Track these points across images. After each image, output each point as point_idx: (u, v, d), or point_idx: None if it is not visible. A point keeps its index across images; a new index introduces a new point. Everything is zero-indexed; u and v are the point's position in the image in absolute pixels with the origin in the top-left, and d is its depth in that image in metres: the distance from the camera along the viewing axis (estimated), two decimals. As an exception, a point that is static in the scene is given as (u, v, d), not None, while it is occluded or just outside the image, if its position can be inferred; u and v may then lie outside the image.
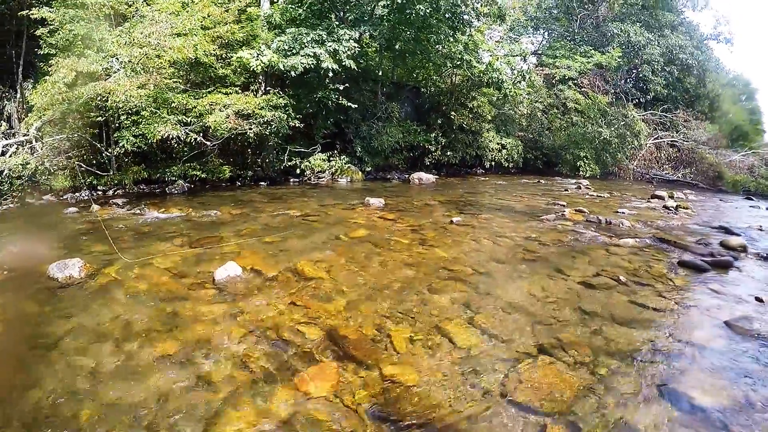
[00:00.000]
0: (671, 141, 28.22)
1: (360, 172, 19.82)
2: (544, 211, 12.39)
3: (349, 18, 18.56)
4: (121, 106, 12.99)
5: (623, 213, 12.48)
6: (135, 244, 8.39)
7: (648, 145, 27.61)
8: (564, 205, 13.32)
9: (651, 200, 15.73)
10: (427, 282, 6.44)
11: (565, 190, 18.15)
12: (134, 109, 13.50)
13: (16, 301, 5.82)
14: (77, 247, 8.16)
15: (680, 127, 29.41)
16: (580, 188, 18.78)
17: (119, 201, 12.80)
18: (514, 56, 24.57)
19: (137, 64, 13.39)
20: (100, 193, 14.46)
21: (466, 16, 19.59)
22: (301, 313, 5.31)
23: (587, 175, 25.04)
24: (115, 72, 13.43)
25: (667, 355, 4.73)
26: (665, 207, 14.08)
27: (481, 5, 20.05)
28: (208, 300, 5.68)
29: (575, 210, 12.09)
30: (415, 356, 4.53)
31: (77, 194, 13.99)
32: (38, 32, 13.80)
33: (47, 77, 13.27)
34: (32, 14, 13.40)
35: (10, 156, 13.11)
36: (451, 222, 10.43)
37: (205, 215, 10.87)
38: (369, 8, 18.68)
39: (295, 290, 5.97)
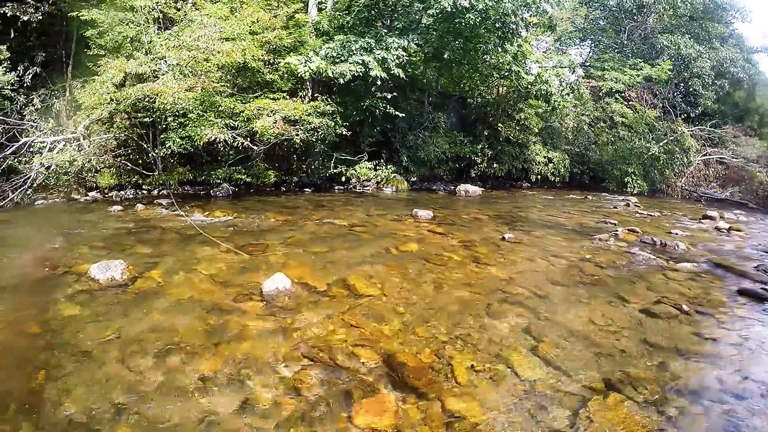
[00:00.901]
0: (719, 158, 27.29)
1: (405, 182, 19.49)
2: (596, 230, 11.95)
3: (397, 26, 18.31)
4: (168, 107, 12.96)
5: (676, 234, 11.95)
6: (178, 247, 8.27)
7: (696, 162, 26.82)
8: (615, 224, 12.81)
9: (702, 221, 15.09)
10: (484, 304, 6.10)
11: (614, 207, 17.61)
12: (181, 111, 13.47)
13: (55, 301, 5.63)
14: (120, 248, 8.08)
15: (729, 144, 28.42)
16: (629, 206, 18.22)
17: (163, 201, 12.80)
18: (562, 68, 24.04)
19: (185, 67, 13.35)
20: (144, 192, 14.65)
21: (515, 26, 19.18)
22: (355, 333, 5.00)
23: (635, 191, 24.17)
24: (163, 74, 13.39)
25: (736, 394, 4.36)
26: (717, 229, 13.48)
27: (531, 15, 19.61)
28: (255, 313, 5.42)
29: (628, 230, 11.60)
30: (478, 388, 4.19)
31: (122, 192, 14.26)
32: (87, 33, 13.98)
33: (96, 77, 13.34)
34: (82, 15, 13.53)
35: (58, 152, 13.25)
36: (503, 238, 10.03)
37: (250, 221, 10.71)
38: (417, 17, 18.40)
39: (347, 307, 5.68)
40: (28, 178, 12.66)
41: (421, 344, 4.88)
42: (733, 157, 26.68)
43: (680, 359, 4.97)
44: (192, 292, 6.01)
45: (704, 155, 26.98)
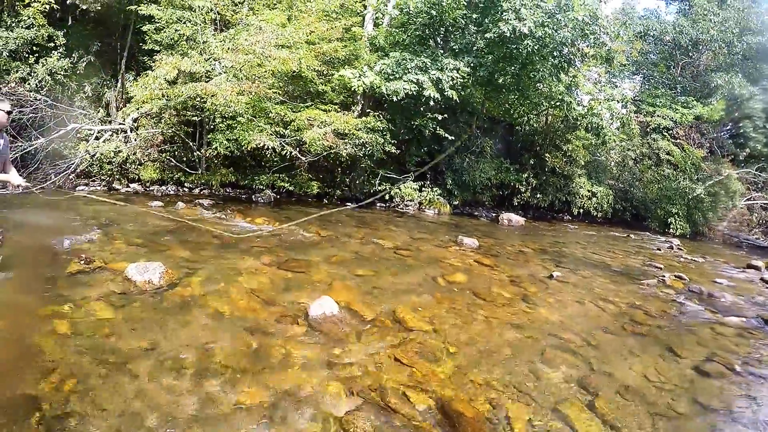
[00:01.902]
0: (764, 203, 26.61)
1: (448, 206, 19.28)
2: (642, 273, 11.62)
3: (453, 47, 18.11)
4: (219, 109, 13.00)
5: (722, 284, 11.50)
6: (218, 254, 8.09)
7: (740, 206, 26.16)
8: (661, 268, 12.44)
9: (747, 270, 14.52)
10: (537, 349, 5.80)
11: (658, 249, 17.11)
12: (231, 114, 13.50)
13: (88, 300, 5.46)
14: (158, 247, 8.00)
15: None
16: (672, 248, 17.69)
17: (205, 202, 12.86)
18: (614, 101, 23.64)
19: (239, 70, 13.32)
20: (185, 189, 14.82)
21: (572, 56, 18.86)
22: (406, 373, 4.70)
23: (677, 233, 23.62)
24: (217, 75, 13.40)
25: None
26: (763, 280, 12.92)
27: (588, 46, 19.28)
28: (300, 339, 5.16)
29: (675, 276, 11.20)
30: (539, 447, 3.90)
31: (163, 188, 14.42)
32: (145, 28, 14.17)
33: (149, 72, 13.54)
34: (140, 10, 13.67)
35: (104, 141, 13.54)
36: (551, 276, 9.70)
37: (292, 233, 10.51)
38: (473, 39, 18.18)
39: (397, 342, 5.38)
40: (72, 163, 12.89)
41: (475, 391, 4.57)
42: None
43: (736, 425, 4.69)
44: (233, 307, 5.80)
45: (749, 199, 26.31)
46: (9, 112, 5.76)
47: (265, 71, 13.71)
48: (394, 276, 8.13)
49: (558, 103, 19.73)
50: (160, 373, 4.13)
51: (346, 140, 14.92)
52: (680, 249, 17.65)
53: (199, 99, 13.27)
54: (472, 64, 17.47)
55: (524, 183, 22.10)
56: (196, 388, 3.98)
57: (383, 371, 4.67)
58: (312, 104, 15.68)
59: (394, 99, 15.76)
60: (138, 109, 14.29)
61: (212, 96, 12.72)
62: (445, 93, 16.04)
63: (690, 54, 30.68)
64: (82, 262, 6.60)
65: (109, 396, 3.72)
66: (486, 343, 5.76)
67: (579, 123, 21.23)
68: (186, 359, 4.42)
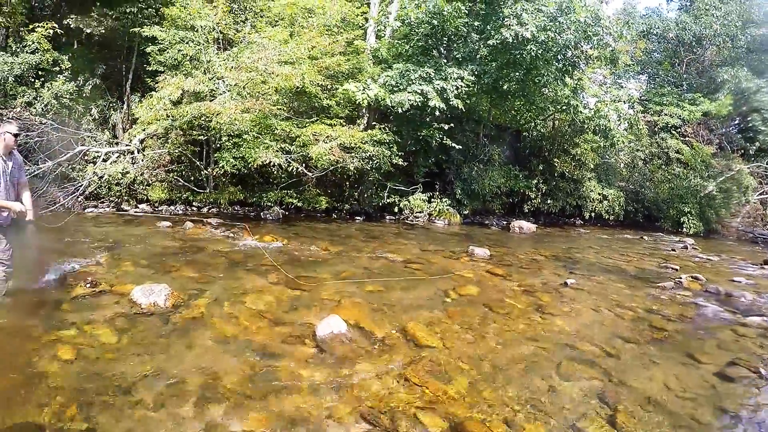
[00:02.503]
0: (778, 197, 26.35)
1: (458, 215, 19.14)
2: (658, 276, 11.45)
3: (456, 56, 18.01)
4: (224, 127, 13.02)
5: (740, 282, 11.34)
6: (226, 274, 8.02)
7: (752, 201, 25.88)
8: (677, 269, 12.31)
9: (764, 266, 14.36)
10: (553, 363, 5.59)
11: (672, 250, 16.95)
12: (236, 132, 13.50)
13: (92, 323, 5.41)
14: (165, 268, 7.95)
15: None
16: (686, 248, 17.52)
17: (213, 221, 12.76)
18: (620, 102, 23.43)
19: (243, 88, 13.31)
20: (194, 209, 14.78)
21: (576, 59, 18.73)
22: (417, 393, 4.51)
23: (691, 232, 23.58)
24: (221, 94, 13.39)
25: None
26: (781, 276, 12.79)
27: (591, 48, 19.13)
28: (307, 361, 5.00)
29: (692, 277, 10.98)
30: (557, 469, 3.71)
31: (172, 207, 14.43)
32: (148, 49, 14.22)
33: (153, 92, 13.71)
34: (143, 32, 13.79)
35: (111, 163, 13.55)
36: (565, 284, 9.52)
37: (300, 249, 10.43)
38: (475, 47, 18.08)
39: (408, 361, 5.20)
40: (80, 185, 12.91)
41: (489, 410, 4.37)
42: None
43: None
44: (239, 329, 5.68)
45: (761, 194, 26.07)
46: (16, 135, 5.72)
47: (269, 88, 13.69)
48: (405, 291, 7.96)
49: (564, 107, 19.58)
50: (164, 400, 4.02)
51: (353, 154, 14.85)
52: (695, 248, 17.55)
53: (204, 118, 13.29)
54: (476, 72, 17.38)
55: (534, 189, 21.96)
56: (200, 415, 3.86)
57: (393, 392, 4.49)
58: (317, 119, 15.63)
59: (399, 111, 15.69)
60: (144, 130, 14.36)
61: (217, 115, 12.71)
62: (451, 102, 15.96)
63: (694, 50, 30.51)
64: (88, 285, 6.56)
65: (112, 423, 3.64)
66: (500, 358, 5.57)
67: (586, 126, 21.12)
68: (190, 384, 4.30)
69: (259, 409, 4.04)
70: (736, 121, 30.29)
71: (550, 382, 5.05)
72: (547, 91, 19.30)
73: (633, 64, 30.42)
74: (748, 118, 29.06)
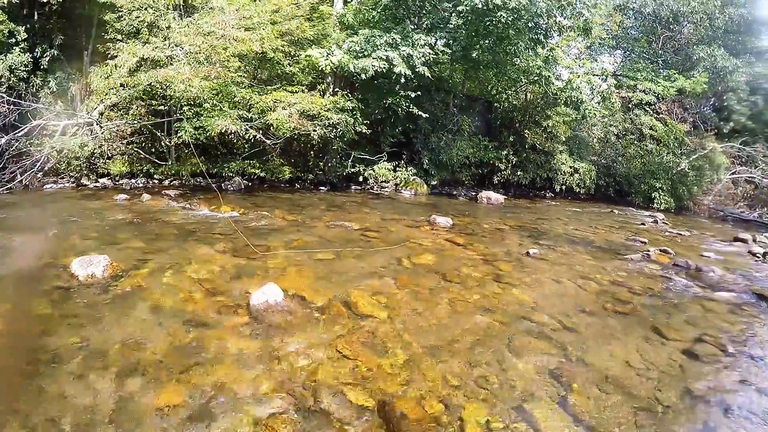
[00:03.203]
0: (749, 177, 26.38)
1: (425, 185, 18.80)
2: (625, 248, 11.16)
3: (425, 24, 17.61)
4: (179, 95, 12.66)
5: (710, 258, 11.10)
6: (174, 243, 7.74)
7: (724, 180, 25.94)
8: (645, 242, 12.03)
9: (734, 243, 14.22)
10: (506, 336, 5.26)
11: (642, 224, 16.75)
12: (197, 101, 13.11)
13: (28, 298, 5.26)
14: (114, 240, 7.67)
15: (759, 162, 27.50)
16: (656, 223, 17.36)
17: (171, 193, 12.49)
18: (594, 75, 23.22)
19: (200, 54, 12.86)
20: (155, 181, 14.38)
21: (547, 27, 18.41)
22: (348, 367, 4.19)
23: (662, 207, 23.44)
24: (179, 61, 12.93)
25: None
26: (751, 253, 12.56)
27: (565, 18, 18.80)
28: (238, 331, 4.69)
29: (660, 250, 10.75)
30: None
31: (133, 180, 14.01)
32: (106, 17, 13.74)
33: (108, 61, 13.09)
34: None
35: (70, 137, 13.06)
36: (527, 254, 9.20)
37: (256, 218, 10.12)
38: (446, 15, 17.69)
39: (344, 331, 4.87)
40: (37, 160, 12.47)
41: (427, 387, 4.04)
42: (763, 177, 25.72)
43: (731, 418, 4.16)
44: (175, 299, 5.38)
45: (733, 173, 26.15)
46: None
47: (227, 54, 13.24)
48: (357, 259, 7.62)
49: (536, 78, 19.20)
50: (86, 371, 3.88)
51: (316, 122, 14.41)
52: (665, 223, 17.39)
53: (162, 87, 12.86)
54: (445, 39, 17.01)
55: (504, 160, 21.66)
56: (119, 389, 3.70)
57: (322, 365, 4.16)
58: (280, 86, 15.14)
59: (363, 77, 15.30)
60: (102, 101, 13.88)
61: (173, 82, 12.26)
62: (417, 69, 15.56)
63: (671, 27, 30.30)
64: (33, 259, 6.46)
65: (30, 398, 3.53)
66: (447, 330, 5.23)
67: (558, 98, 20.83)
68: (114, 356, 4.13)
69: (179, 381, 3.83)
70: (712, 101, 30.25)
71: (499, 358, 4.73)
72: (518, 61, 18.93)
73: (608, 38, 30.29)
74: (724, 98, 29.08)
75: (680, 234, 14.82)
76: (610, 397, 4.24)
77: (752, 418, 4.17)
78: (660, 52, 30.47)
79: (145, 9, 13.48)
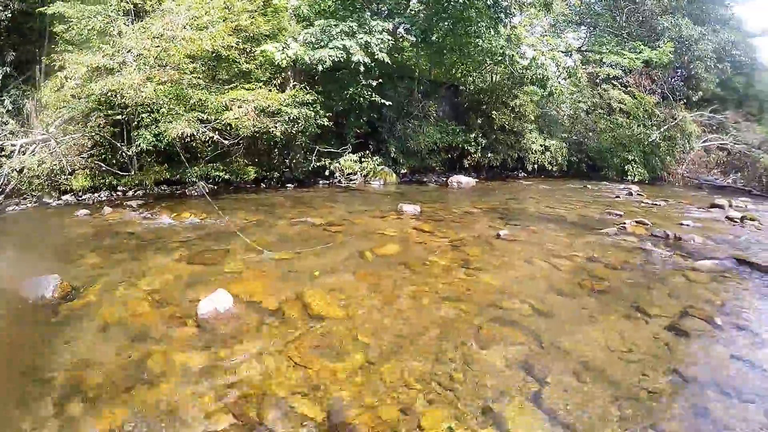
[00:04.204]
0: (721, 144, 26.51)
1: (394, 175, 18.55)
2: (601, 223, 11.00)
3: (383, 9, 17.34)
4: (130, 102, 12.33)
5: (688, 226, 11.00)
6: (131, 255, 7.40)
7: (697, 149, 26.05)
8: (621, 215, 11.94)
9: (711, 209, 14.26)
10: (473, 326, 4.97)
11: (616, 197, 16.72)
12: (153, 107, 12.71)
13: None
14: (69, 258, 7.35)
15: (729, 129, 27.66)
16: (631, 194, 17.42)
17: (134, 203, 12.15)
18: (559, 51, 23.11)
19: (151, 57, 12.49)
20: (119, 193, 13.93)
21: (506, 3, 18.24)
22: (298, 375, 3.90)
23: (635, 179, 23.57)
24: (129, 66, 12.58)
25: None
26: (729, 218, 12.51)
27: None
28: (184, 343, 4.42)
29: (636, 222, 10.63)
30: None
31: (96, 195, 13.55)
32: (57, 29, 13.37)
33: (58, 73, 12.67)
34: (47, 10, 12.87)
35: (29, 155, 12.72)
36: (498, 236, 8.96)
37: (218, 222, 9.77)
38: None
39: (296, 336, 4.58)
40: None
41: (384, 392, 3.75)
42: (734, 144, 25.90)
43: (726, 399, 3.88)
44: (123, 314, 5.10)
45: (705, 141, 26.41)
46: None
47: (180, 55, 12.87)
48: (318, 256, 7.32)
49: (500, 58, 19.05)
50: (28, 398, 3.71)
51: (276, 118, 14.13)
52: (640, 194, 17.41)
53: (118, 95, 12.32)
54: (404, 24, 16.78)
55: (473, 143, 21.46)
56: (60, 414, 3.51)
57: (271, 376, 3.88)
58: (238, 85, 14.79)
59: (320, 68, 14.94)
60: (59, 116, 13.44)
61: (124, 88, 11.86)
62: (376, 56, 15.27)
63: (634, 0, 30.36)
64: None
65: None
66: (409, 325, 4.96)
67: (524, 76, 20.64)
68: (57, 380, 3.93)
69: (122, 403, 3.61)
70: (678, 73, 30.31)
71: (465, 352, 4.43)
72: (481, 42, 18.70)
73: (571, 14, 30.31)
74: (691, 67, 29.13)
75: (656, 204, 14.82)
76: (590, 388, 3.95)
77: (748, 397, 3.92)
78: (624, 24, 30.50)
79: (94, 17, 13.04)
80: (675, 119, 25.27)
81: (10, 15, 13.79)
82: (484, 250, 8.05)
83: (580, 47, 29.63)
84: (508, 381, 4.00)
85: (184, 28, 12.73)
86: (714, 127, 27.59)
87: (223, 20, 13.97)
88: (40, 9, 13.16)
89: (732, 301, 6.15)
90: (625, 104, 26.79)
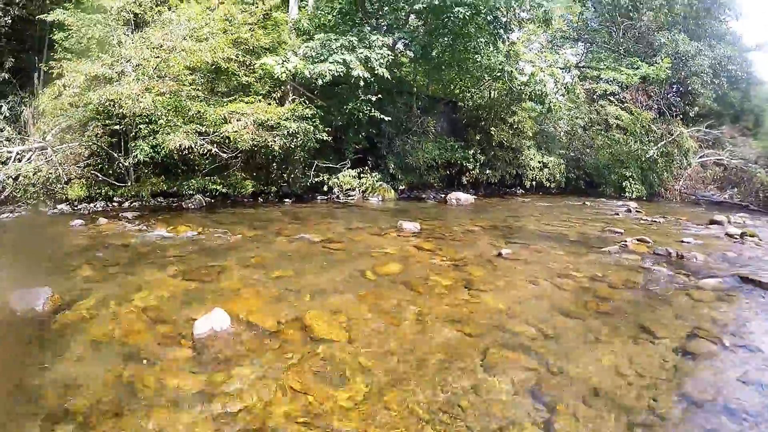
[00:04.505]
0: (717, 159, 26.67)
1: (392, 191, 18.43)
2: (601, 241, 10.88)
3: (382, 24, 17.30)
4: (128, 113, 12.30)
5: (689, 243, 10.92)
6: (125, 269, 7.20)
7: (694, 164, 26.09)
8: (621, 233, 11.81)
9: (710, 226, 14.27)
10: (478, 351, 4.77)
11: (616, 214, 16.66)
12: (152, 118, 12.70)
13: None
14: (62, 269, 7.16)
15: (725, 144, 28.01)
16: (630, 211, 17.39)
17: (129, 215, 11.97)
18: (557, 67, 23.13)
19: (150, 68, 12.42)
20: (115, 204, 13.75)
21: (506, 20, 18.24)
22: (299, 403, 3.70)
23: (633, 196, 23.54)
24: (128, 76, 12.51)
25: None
26: (729, 235, 12.47)
27: (524, 10, 18.68)
28: (179, 365, 4.22)
29: (637, 240, 10.51)
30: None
31: (92, 205, 13.36)
32: (56, 37, 13.46)
33: (57, 81, 12.69)
34: (47, 17, 13.00)
35: (27, 162, 12.72)
36: (499, 255, 8.82)
37: (215, 237, 9.62)
38: (403, 15, 17.43)
39: (297, 360, 4.38)
40: None
41: (389, 422, 3.54)
42: (731, 159, 26.15)
43: (734, 420, 3.75)
44: (116, 332, 4.91)
45: (701, 157, 26.66)
46: None
47: (180, 67, 12.87)
48: (316, 275, 7.15)
49: (499, 74, 19.13)
50: (8, 422, 3.52)
51: (275, 132, 14.05)
52: (638, 211, 17.36)
53: (116, 105, 12.28)
54: (404, 39, 16.74)
55: (471, 160, 21.47)
56: None
57: (270, 404, 3.68)
58: (237, 98, 14.72)
59: (320, 82, 14.89)
60: (57, 124, 13.37)
61: (123, 99, 11.87)
62: (376, 72, 15.21)
63: (631, 15, 30.48)
64: None
65: None
66: (414, 350, 4.76)
67: (523, 92, 20.65)
68: (45, 401, 3.71)
69: (110, 430, 3.37)
70: (674, 88, 30.41)
71: (473, 379, 4.23)
72: (480, 58, 18.70)
73: (569, 30, 30.41)
74: (688, 82, 29.22)
75: (655, 221, 14.75)
76: (602, 415, 3.79)
77: (760, 422, 3.77)
78: (621, 40, 30.69)
79: (94, 25, 13.05)
80: (672, 135, 25.40)
81: (9, 21, 13.88)
82: (486, 270, 7.88)
83: (577, 63, 29.69)
84: (518, 409, 3.82)
85: (184, 39, 12.63)
86: (710, 143, 28.08)
87: (223, 32, 13.92)
88: (40, 16, 13.24)
89: (739, 322, 6.05)
90: (622, 120, 26.97)
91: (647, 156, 24.62)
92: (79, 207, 13.04)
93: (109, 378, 4.01)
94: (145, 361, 4.29)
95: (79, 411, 3.54)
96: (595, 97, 28.64)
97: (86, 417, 3.48)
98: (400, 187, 19.11)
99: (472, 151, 21.57)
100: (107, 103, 12.20)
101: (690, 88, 29.10)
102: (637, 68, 26.40)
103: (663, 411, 3.87)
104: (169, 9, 14.47)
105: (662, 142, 25.00)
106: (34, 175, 12.46)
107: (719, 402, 4.04)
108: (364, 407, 3.72)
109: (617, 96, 28.05)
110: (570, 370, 4.46)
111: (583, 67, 29.57)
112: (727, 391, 4.23)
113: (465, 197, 18.39)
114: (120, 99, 11.88)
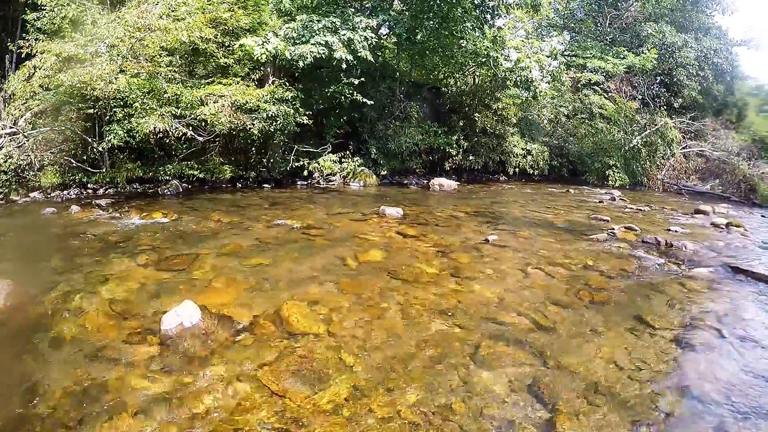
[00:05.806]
0: (699, 151, 26.80)
1: (374, 176, 18.14)
2: (589, 228, 10.69)
3: (366, 6, 16.92)
4: (102, 95, 11.81)
5: (676, 232, 10.85)
6: (94, 259, 6.80)
7: (677, 155, 26.09)
8: (608, 221, 11.70)
9: (695, 215, 14.36)
10: (469, 345, 4.48)
11: (600, 202, 16.59)
12: (126, 101, 12.20)
13: None
14: (28, 261, 6.86)
15: (708, 136, 28.28)
16: (614, 200, 17.36)
17: (103, 202, 11.47)
18: (543, 54, 22.91)
19: (125, 48, 11.93)
20: (90, 191, 13.29)
21: (492, 3, 17.96)
22: (274, 407, 3.36)
23: (616, 184, 23.63)
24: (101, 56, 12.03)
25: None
26: (714, 225, 12.53)
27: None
28: (144, 365, 3.88)
29: (625, 228, 10.45)
30: None
31: (66, 192, 12.92)
32: (27, 17, 12.82)
33: (27, 62, 12.16)
34: None
35: None
36: (486, 241, 8.56)
37: (190, 224, 9.24)
38: (388, -3, 17.14)
39: (273, 357, 4.04)
40: None
41: (376, 428, 3.23)
42: (713, 150, 26.39)
43: (739, 418, 3.54)
44: (80, 328, 4.56)
45: (684, 148, 26.86)
46: None
47: (155, 47, 12.33)
48: (295, 262, 6.82)
49: (484, 59, 18.88)
50: None
51: (254, 115, 13.66)
52: (623, 200, 17.41)
53: (87, 88, 11.71)
54: (388, 22, 16.39)
55: (455, 146, 21.20)
56: None
57: (243, 407, 3.36)
58: (215, 80, 14.28)
59: (301, 64, 14.52)
60: (29, 108, 12.75)
61: (93, 80, 11.30)
62: (359, 54, 14.85)
63: (618, 6, 30.43)
64: None
65: None
66: (399, 345, 4.44)
67: (508, 79, 20.46)
68: (1, 408, 3.39)
69: None
70: (659, 79, 30.42)
71: (464, 376, 3.95)
72: (465, 43, 18.40)
73: (555, 17, 30.26)
74: (673, 74, 29.27)
75: (640, 209, 14.72)
76: (604, 413, 3.56)
77: (764, 414, 3.60)
78: (608, 30, 30.71)
79: (68, 5, 12.51)
80: (656, 125, 25.44)
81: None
82: (473, 257, 7.62)
83: (563, 52, 29.56)
84: (515, 409, 3.56)
85: (161, 17, 12.15)
86: (693, 134, 28.20)
87: (202, 11, 13.45)
88: (10, -5, 12.54)
89: (735, 312, 5.92)
90: (606, 110, 27.03)
91: (630, 145, 24.73)
92: (52, 195, 12.57)
93: (69, 381, 3.69)
94: (108, 362, 3.96)
95: (37, 419, 3.26)
96: (579, 86, 28.61)
97: (43, 427, 3.19)
98: (382, 173, 18.78)
99: (456, 137, 21.29)
100: (80, 85, 11.67)
101: (675, 79, 29.27)
102: (623, 58, 26.37)
103: (665, 406, 3.71)
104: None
105: (646, 132, 25.09)
106: (5, 162, 11.91)
107: (722, 395, 3.90)
108: (347, 410, 3.41)
109: (602, 86, 28.17)
110: (568, 365, 4.23)
111: (568, 55, 29.44)
112: (730, 384, 4.09)
113: (448, 183, 18.18)
114: (92, 81, 11.35)
